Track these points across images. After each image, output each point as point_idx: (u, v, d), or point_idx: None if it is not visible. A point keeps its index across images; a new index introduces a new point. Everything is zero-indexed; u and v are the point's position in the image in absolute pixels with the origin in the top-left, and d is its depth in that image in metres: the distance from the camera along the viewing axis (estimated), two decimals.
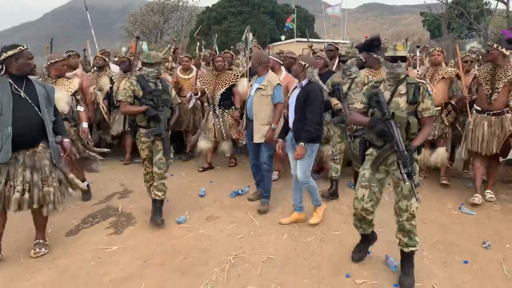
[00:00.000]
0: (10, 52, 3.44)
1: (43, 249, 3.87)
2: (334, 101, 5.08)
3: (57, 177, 3.79)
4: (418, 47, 7.18)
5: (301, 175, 4.26)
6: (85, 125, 5.10)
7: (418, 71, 5.85)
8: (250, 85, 5.09)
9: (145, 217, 4.63)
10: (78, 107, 5.08)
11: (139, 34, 8.98)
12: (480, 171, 5.15)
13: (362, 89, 4.65)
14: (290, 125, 4.31)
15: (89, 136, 5.22)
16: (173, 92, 4.86)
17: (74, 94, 4.96)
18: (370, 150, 3.34)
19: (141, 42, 10.78)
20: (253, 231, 4.34)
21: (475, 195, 4.98)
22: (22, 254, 3.88)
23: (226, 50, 7.06)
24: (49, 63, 4.91)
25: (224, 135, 6.29)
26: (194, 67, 7.18)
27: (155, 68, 4.44)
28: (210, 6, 39.50)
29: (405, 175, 2.93)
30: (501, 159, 4.85)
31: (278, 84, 4.84)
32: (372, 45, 5.28)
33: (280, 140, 4.47)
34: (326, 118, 5.33)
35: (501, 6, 22.66)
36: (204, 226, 4.48)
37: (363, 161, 3.40)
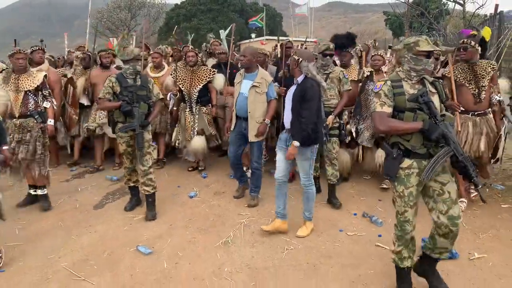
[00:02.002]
0: None
1: None
2: None
3: None
4: (390, 47, 7.31)
5: (304, 178, 4.07)
6: (50, 122, 4.89)
7: (385, 72, 5.74)
8: (238, 83, 4.92)
9: (161, 194, 5.29)
10: (45, 102, 4.89)
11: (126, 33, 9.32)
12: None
13: (346, 84, 4.85)
14: (286, 124, 4.09)
15: (53, 134, 5.14)
16: (155, 88, 4.79)
17: (40, 89, 4.84)
18: (408, 162, 2.84)
19: (110, 38, 11.19)
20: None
21: (460, 200, 4.67)
22: (61, 224, 4.50)
23: (191, 48, 6.62)
24: (8, 55, 4.84)
25: (195, 132, 6.04)
26: (165, 65, 6.85)
27: (130, 64, 4.57)
28: (179, 3, 39.72)
29: (476, 178, 2.74)
30: (492, 161, 4.78)
31: (272, 80, 4.91)
32: (348, 42, 5.48)
33: (295, 142, 3.99)
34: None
35: (458, 7, 24.19)
36: (214, 199, 5.20)
37: (395, 177, 2.90)
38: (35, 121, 4.72)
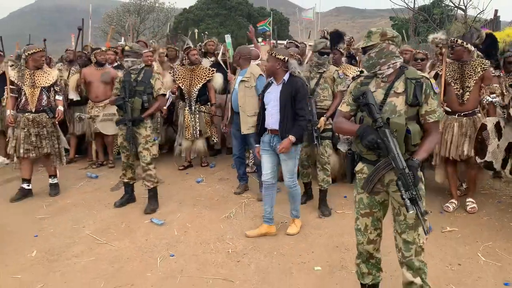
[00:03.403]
0: None
1: None
2: None
3: None
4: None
5: (288, 178, 4.00)
6: (61, 108, 5.28)
7: None
8: (234, 79, 5.27)
9: (171, 179, 5.85)
10: (57, 96, 5.27)
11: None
12: (455, 176, 4.81)
13: (341, 84, 4.61)
14: (268, 125, 3.96)
15: (63, 117, 5.41)
16: (157, 84, 4.75)
17: (53, 85, 5.19)
18: (360, 166, 2.60)
19: (120, 42, 11.73)
20: (257, 187, 5.58)
21: (450, 201, 4.76)
22: (83, 202, 5.08)
23: (188, 45, 7.02)
24: (27, 54, 5.01)
25: (198, 133, 6.23)
26: (154, 64, 6.75)
27: (131, 59, 4.68)
28: (187, 8, 40.50)
29: (407, 201, 2.22)
30: (478, 159, 4.29)
31: (260, 75, 4.97)
32: (337, 40, 5.50)
33: (257, 145, 4.12)
34: None
35: (461, 12, 24.66)
36: (218, 183, 5.77)
37: (353, 179, 2.69)
38: (47, 116, 5.10)
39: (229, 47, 8.35)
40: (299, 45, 6.94)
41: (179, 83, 6.25)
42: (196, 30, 10.30)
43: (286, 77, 3.88)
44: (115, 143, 6.47)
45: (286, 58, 3.85)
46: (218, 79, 6.37)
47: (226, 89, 6.33)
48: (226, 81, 6.27)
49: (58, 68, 6.77)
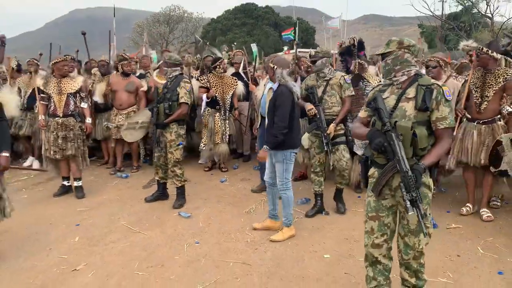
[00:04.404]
0: None
1: None
2: (309, 106, 4.68)
3: None
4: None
5: (278, 181, 4.19)
6: (89, 120, 5.69)
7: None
8: (264, 85, 5.45)
9: (198, 179, 6.32)
10: (82, 103, 5.65)
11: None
12: (472, 182, 4.89)
13: (348, 89, 4.69)
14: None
15: (91, 131, 5.85)
16: (181, 92, 5.05)
17: (78, 92, 5.60)
18: (372, 170, 2.75)
19: (151, 50, 12.29)
20: None
21: (466, 204, 4.90)
22: (118, 197, 5.61)
23: (207, 54, 7.42)
24: (52, 63, 5.58)
25: (227, 138, 6.69)
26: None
27: (169, 68, 5.17)
28: (215, 17, 41.45)
29: (408, 202, 2.35)
30: (492, 169, 4.48)
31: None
32: (360, 47, 5.60)
33: (265, 147, 4.12)
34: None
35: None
36: (241, 183, 6.22)
37: (367, 184, 2.82)
38: (75, 120, 5.50)
39: (255, 56, 8.82)
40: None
41: (214, 90, 6.60)
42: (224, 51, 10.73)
43: (275, 86, 4.11)
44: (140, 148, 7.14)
45: (275, 67, 4.03)
46: (241, 88, 6.93)
47: (246, 97, 6.89)
48: (247, 90, 6.81)
49: (94, 72, 7.39)
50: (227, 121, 6.73)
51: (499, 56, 4.63)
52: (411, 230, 2.58)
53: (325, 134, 4.61)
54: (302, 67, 6.27)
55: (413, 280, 2.69)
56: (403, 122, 2.48)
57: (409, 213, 2.35)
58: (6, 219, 3.84)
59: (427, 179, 2.56)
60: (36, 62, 7.67)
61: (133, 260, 3.79)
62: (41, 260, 3.79)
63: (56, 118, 5.45)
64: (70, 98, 5.53)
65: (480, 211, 4.76)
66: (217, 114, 6.64)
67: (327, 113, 4.71)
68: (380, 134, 2.52)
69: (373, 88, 2.87)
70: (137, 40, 38.68)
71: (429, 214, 2.58)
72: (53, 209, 5.18)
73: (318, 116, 4.62)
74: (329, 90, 4.73)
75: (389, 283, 2.81)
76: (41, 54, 8.11)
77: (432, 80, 2.61)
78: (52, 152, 5.46)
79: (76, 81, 5.64)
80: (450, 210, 4.97)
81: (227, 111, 6.71)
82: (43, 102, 5.58)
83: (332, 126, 4.65)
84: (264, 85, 5.45)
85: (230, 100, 6.74)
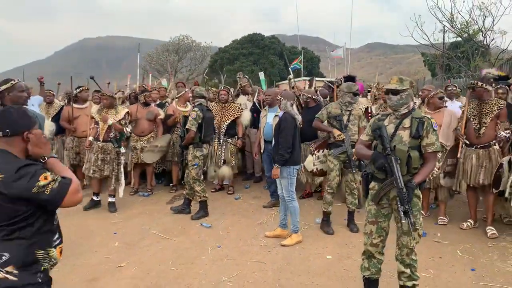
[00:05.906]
0: (3, 87, 3.81)
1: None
2: (336, 132, 5.25)
3: None
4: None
5: (284, 193, 4.93)
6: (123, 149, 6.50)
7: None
8: (264, 116, 6.21)
9: (214, 196, 7.09)
10: (129, 128, 6.65)
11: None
12: (474, 200, 5.40)
13: (364, 121, 5.35)
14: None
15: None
16: (189, 119, 5.88)
17: (123, 119, 6.36)
18: (372, 184, 3.35)
19: (160, 80, 13.05)
20: None
21: (468, 220, 5.46)
22: (147, 211, 6.38)
23: (224, 86, 8.03)
24: (99, 95, 6.87)
25: (221, 161, 7.16)
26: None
27: (197, 99, 6.17)
28: (223, 47, 42.80)
29: (401, 213, 3.00)
30: (493, 190, 4.99)
31: None
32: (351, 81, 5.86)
33: (276, 165, 4.79)
34: (329, 151, 5.42)
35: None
36: (253, 200, 6.97)
37: (367, 195, 3.42)
38: (113, 145, 6.31)
39: (263, 83, 9.59)
40: (332, 86, 7.18)
41: (215, 118, 6.99)
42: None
43: (280, 113, 4.92)
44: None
45: (282, 99, 4.94)
46: (246, 116, 7.46)
47: (254, 124, 7.55)
48: (258, 117, 7.31)
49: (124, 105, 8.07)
50: (224, 147, 7.23)
51: (490, 88, 5.24)
52: (404, 231, 3.22)
53: (352, 158, 5.17)
54: (301, 99, 6.81)
55: (408, 271, 3.27)
56: (401, 146, 3.13)
57: (403, 221, 3.03)
58: None
59: (417, 191, 3.22)
60: (52, 93, 8.15)
61: (167, 259, 4.54)
62: (89, 259, 4.56)
63: (98, 142, 6.28)
64: (111, 127, 6.30)
65: (486, 228, 5.19)
66: (215, 140, 7.16)
67: (351, 139, 5.24)
68: (382, 157, 3.13)
69: (372, 117, 3.62)
70: (147, 69, 39.83)
71: (420, 219, 3.24)
72: (90, 220, 5.96)
73: (344, 142, 5.19)
74: (352, 119, 5.34)
75: (379, 272, 3.43)
76: (59, 84, 8.80)
77: (422, 114, 3.32)
78: (91, 171, 6.26)
79: (119, 113, 6.37)
80: (437, 222, 5.69)
81: (221, 138, 7.23)
82: (95, 126, 6.38)
83: (354, 151, 5.13)
84: (265, 115, 6.22)
85: (225, 128, 7.21)
